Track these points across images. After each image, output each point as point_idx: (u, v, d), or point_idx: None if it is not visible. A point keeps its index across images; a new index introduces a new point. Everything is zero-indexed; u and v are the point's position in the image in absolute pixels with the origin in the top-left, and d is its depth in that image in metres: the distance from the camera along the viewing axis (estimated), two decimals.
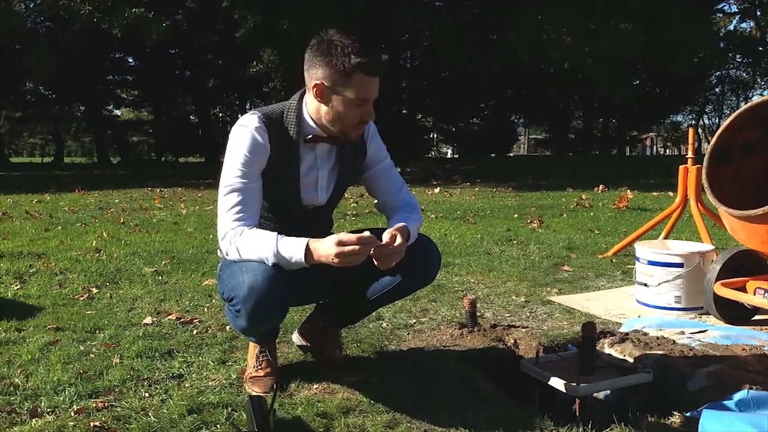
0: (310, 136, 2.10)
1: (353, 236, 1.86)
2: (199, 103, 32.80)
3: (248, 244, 1.98)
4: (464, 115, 36.00)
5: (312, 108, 2.08)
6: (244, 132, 2.05)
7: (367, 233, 1.89)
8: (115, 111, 39.42)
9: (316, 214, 2.22)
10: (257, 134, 2.04)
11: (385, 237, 1.95)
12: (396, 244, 1.94)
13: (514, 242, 5.25)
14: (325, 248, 1.87)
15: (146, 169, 20.13)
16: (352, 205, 8.06)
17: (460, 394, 2.19)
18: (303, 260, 1.91)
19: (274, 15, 14.35)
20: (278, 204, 2.17)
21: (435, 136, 40.93)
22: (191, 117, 38.05)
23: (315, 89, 2.02)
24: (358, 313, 2.46)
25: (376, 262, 1.94)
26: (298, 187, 2.14)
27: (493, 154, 33.40)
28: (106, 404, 2.06)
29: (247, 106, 38.69)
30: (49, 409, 2.03)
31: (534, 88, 30.25)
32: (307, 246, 1.91)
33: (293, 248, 1.92)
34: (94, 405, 2.05)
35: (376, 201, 2.33)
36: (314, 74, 2.01)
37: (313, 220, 2.20)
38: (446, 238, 5.40)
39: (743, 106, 2.98)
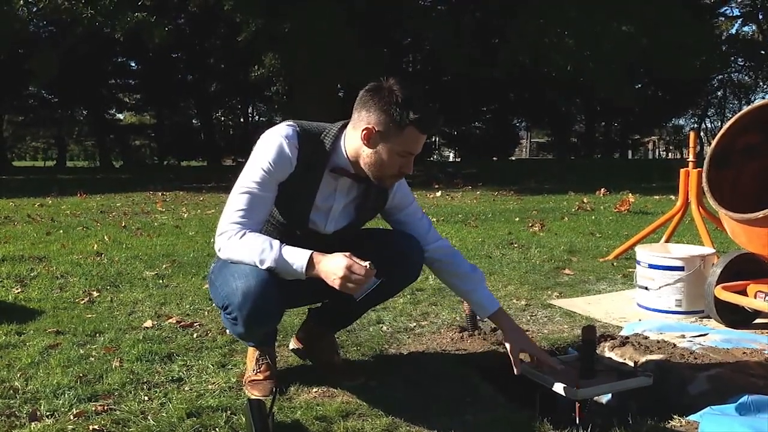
0: (336, 167, 2.08)
1: (362, 267, 1.83)
2: (202, 106, 32.90)
3: (247, 244, 1.96)
4: (466, 118, 36.02)
5: (351, 145, 2.05)
6: (276, 141, 2.02)
7: (370, 266, 1.85)
8: (117, 115, 39.52)
9: (319, 239, 2.16)
10: (287, 147, 2.01)
11: (516, 370, 2.17)
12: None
13: (515, 246, 5.25)
14: (330, 266, 1.85)
15: (148, 173, 20.16)
16: None
17: (461, 397, 2.19)
18: (303, 269, 1.89)
19: (276, 18, 14.37)
20: (286, 218, 2.16)
21: (437, 139, 40.92)
22: (194, 121, 38.14)
23: (364, 132, 1.99)
24: (350, 316, 2.47)
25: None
26: (309, 208, 2.12)
27: (495, 158, 33.40)
28: (105, 407, 2.06)
29: (250, 110, 38.81)
30: (48, 413, 2.03)
31: (536, 92, 30.25)
32: (311, 257, 1.90)
33: (296, 255, 1.91)
34: (93, 408, 2.05)
35: None
36: (366, 117, 1.99)
37: (314, 243, 2.07)
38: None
39: (743, 109, 2.98)
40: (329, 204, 2.14)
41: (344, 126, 2.10)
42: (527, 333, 2.88)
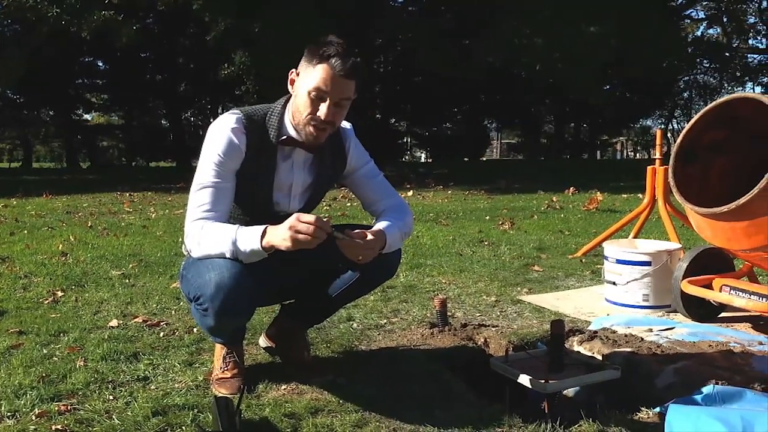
0: (284, 138, 2.08)
1: (311, 218, 1.81)
2: (171, 107, 32.49)
3: (209, 237, 1.95)
4: (438, 119, 36.12)
5: (290, 107, 2.07)
6: (221, 131, 2.03)
7: (340, 232, 1.86)
8: (84, 115, 38.87)
9: None
10: (233, 135, 2.01)
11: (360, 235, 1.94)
12: (367, 239, 1.93)
13: (486, 243, 5.27)
14: (280, 228, 1.85)
15: (116, 173, 19.88)
16: (325, 208, 8.03)
17: (431, 393, 2.18)
18: (259, 246, 1.88)
19: (246, 18, 14.26)
20: (251, 207, 2.14)
21: (409, 140, 40.96)
22: (162, 121, 37.67)
23: (290, 80, 2.05)
24: (323, 312, 2.45)
25: (343, 251, 1.92)
26: (271, 192, 2.11)
27: (466, 159, 33.55)
28: (68, 407, 2.02)
29: (219, 110, 38.45)
30: (9, 414, 1.98)
31: (507, 93, 30.46)
32: (264, 231, 1.89)
33: (250, 237, 1.90)
34: (56, 408, 2.01)
35: (368, 210, 2.30)
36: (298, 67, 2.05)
37: None
38: (418, 239, 5.40)
39: (708, 105, 3.01)
40: (288, 182, 2.13)
41: (288, 99, 2.11)
42: (497, 328, 2.90)
